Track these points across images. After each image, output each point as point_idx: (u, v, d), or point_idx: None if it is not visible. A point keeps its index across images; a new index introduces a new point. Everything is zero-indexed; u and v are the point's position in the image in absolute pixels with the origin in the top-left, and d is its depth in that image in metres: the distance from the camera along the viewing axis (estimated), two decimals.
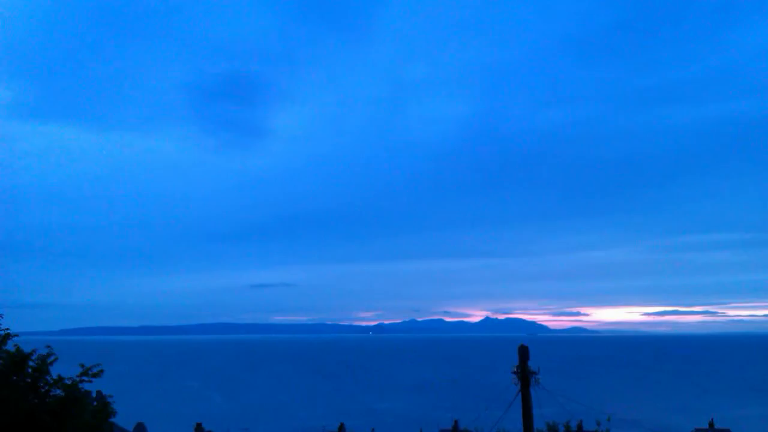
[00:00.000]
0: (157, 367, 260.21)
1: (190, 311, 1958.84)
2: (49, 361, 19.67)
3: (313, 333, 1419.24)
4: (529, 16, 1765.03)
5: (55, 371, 20.08)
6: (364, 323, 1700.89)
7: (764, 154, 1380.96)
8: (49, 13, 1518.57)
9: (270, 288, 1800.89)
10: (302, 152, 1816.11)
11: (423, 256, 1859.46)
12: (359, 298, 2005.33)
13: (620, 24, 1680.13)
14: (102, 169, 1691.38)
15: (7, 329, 19.84)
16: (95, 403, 22.80)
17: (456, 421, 53.62)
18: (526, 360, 19.48)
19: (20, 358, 19.15)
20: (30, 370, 19.37)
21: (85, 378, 20.04)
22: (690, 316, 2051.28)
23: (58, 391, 19.59)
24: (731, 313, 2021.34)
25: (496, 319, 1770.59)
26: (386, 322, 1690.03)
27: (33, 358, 19.60)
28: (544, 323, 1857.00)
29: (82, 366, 20.21)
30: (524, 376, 19.32)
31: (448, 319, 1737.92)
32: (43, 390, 19.47)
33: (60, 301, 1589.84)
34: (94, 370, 20.28)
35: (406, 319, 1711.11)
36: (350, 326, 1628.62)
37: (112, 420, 23.78)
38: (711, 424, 52.94)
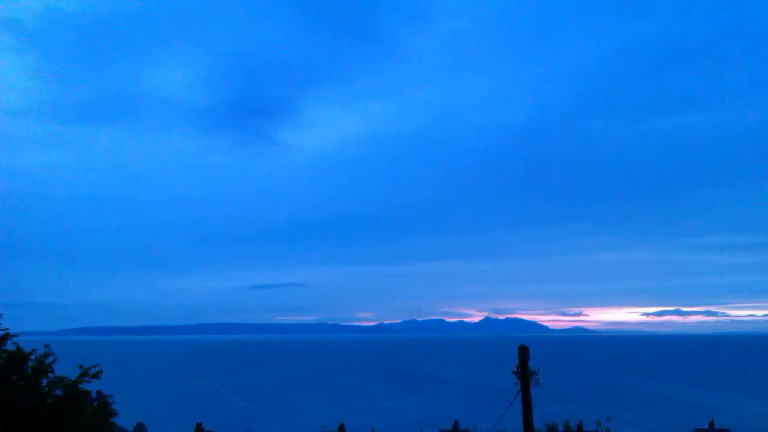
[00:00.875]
0: (157, 367, 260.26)
1: (190, 311, 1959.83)
2: (48, 361, 19.67)
3: (313, 333, 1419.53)
4: (577, 29, 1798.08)
5: (54, 371, 20.08)
6: (364, 323, 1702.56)
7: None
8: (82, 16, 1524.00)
9: (271, 289, 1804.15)
10: (307, 159, 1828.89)
11: (423, 257, 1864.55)
12: (359, 299, 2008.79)
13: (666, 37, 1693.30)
14: (102, 169, 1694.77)
15: (7, 329, 19.85)
16: (95, 403, 22.81)
17: (456, 421, 53.58)
18: (526, 360, 19.42)
19: (20, 357, 19.15)
20: (29, 369, 19.37)
21: (85, 379, 20.05)
22: (690, 317, 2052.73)
23: (58, 391, 19.60)
24: (731, 313, 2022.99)
25: (496, 319, 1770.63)
26: (386, 322, 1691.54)
27: (32, 357, 19.61)
28: (544, 323, 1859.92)
29: (81, 367, 20.22)
30: (524, 376, 19.27)
31: (448, 319, 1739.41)
32: (43, 390, 19.47)
33: (60, 301, 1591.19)
34: (93, 371, 20.28)
35: (407, 319, 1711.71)
36: (350, 326, 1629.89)
37: (112, 420, 23.79)
38: (711, 424, 52.87)
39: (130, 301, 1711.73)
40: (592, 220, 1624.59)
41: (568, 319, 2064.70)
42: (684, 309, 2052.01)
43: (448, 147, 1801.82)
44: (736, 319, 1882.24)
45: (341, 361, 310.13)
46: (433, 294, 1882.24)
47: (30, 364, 19.46)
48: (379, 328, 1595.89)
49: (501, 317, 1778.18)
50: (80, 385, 19.99)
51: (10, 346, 19.61)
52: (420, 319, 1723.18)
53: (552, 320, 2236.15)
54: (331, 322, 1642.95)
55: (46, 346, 20.26)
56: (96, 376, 20.22)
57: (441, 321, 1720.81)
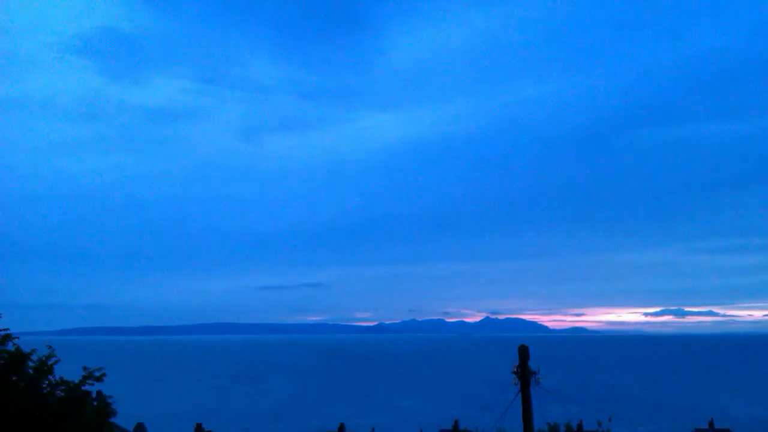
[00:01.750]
0: (158, 367, 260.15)
1: (191, 312, 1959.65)
2: (50, 362, 19.62)
3: (313, 333, 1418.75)
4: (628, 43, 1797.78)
5: (55, 372, 20.05)
6: (364, 323, 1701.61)
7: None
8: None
9: (271, 289, 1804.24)
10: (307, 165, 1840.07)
11: (424, 258, 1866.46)
12: (359, 299, 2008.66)
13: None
14: (106, 170, 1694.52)
15: (7, 329, 19.81)
16: (95, 404, 22.78)
17: (456, 421, 53.51)
18: (526, 360, 19.43)
19: (20, 358, 19.11)
20: (30, 370, 19.34)
21: (89, 381, 20.04)
22: (690, 317, 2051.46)
23: (60, 393, 19.57)
24: (731, 313, 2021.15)
25: (496, 319, 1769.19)
26: (386, 322, 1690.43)
27: (33, 358, 19.57)
28: (544, 323, 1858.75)
29: (85, 368, 20.19)
30: (524, 376, 19.28)
31: (448, 320, 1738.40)
32: (44, 391, 19.44)
33: (60, 301, 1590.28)
34: (98, 374, 20.25)
35: (407, 319, 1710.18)
36: (350, 326, 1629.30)
37: (112, 420, 23.77)
38: (711, 424, 52.88)
39: (131, 301, 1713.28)
40: (592, 221, 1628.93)
41: (568, 319, 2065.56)
42: (685, 309, 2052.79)
43: (449, 150, 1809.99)
44: (737, 319, 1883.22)
45: (341, 362, 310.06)
46: (433, 294, 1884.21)
47: (31, 364, 19.43)
48: (379, 328, 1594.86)
49: (501, 317, 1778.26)
50: (82, 387, 19.98)
51: (9, 347, 19.58)
52: (420, 319, 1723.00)
53: (552, 320, 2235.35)
54: (331, 322, 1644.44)
55: (50, 347, 20.21)
56: (100, 379, 20.23)
57: (441, 321, 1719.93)
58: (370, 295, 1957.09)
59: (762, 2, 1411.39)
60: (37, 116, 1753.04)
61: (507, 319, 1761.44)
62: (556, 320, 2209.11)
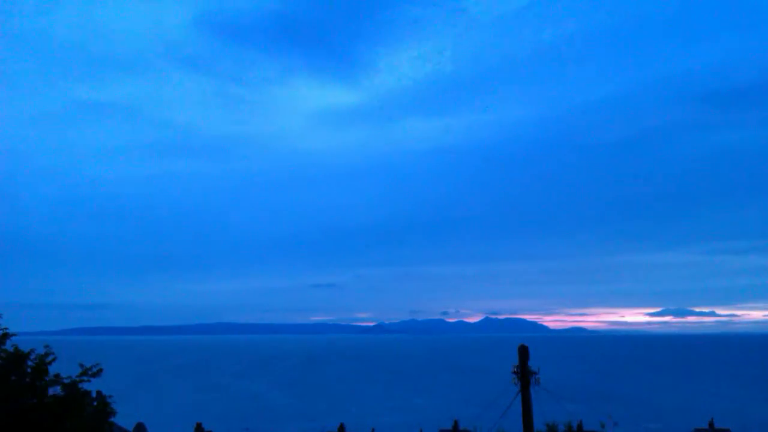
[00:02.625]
0: (158, 367, 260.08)
1: (191, 312, 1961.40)
2: (47, 360, 19.63)
3: (313, 333, 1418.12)
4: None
5: (53, 371, 20.03)
6: (363, 323, 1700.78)
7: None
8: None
9: (272, 289, 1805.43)
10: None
11: (424, 259, 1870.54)
12: (359, 299, 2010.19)
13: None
14: (109, 171, 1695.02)
15: (6, 328, 19.81)
16: (95, 403, 22.78)
17: (456, 421, 53.47)
18: (526, 360, 19.41)
19: (19, 357, 19.11)
20: (29, 369, 19.33)
21: (85, 378, 20.00)
22: (691, 317, 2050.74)
23: (58, 391, 19.56)
24: (733, 313, 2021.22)
25: (496, 319, 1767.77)
26: (386, 322, 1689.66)
27: (31, 357, 19.57)
28: (544, 323, 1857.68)
29: (82, 366, 20.18)
30: (524, 376, 19.26)
31: (448, 320, 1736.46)
32: (42, 389, 19.43)
33: (60, 301, 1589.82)
34: (94, 370, 20.24)
35: (406, 319, 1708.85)
36: (350, 326, 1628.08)
37: (112, 420, 23.75)
38: (711, 424, 52.83)
39: (131, 301, 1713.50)
40: (593, 224, 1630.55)
41: (568, 319, 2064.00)
42: (685, 309, 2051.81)
43: (450, 154, 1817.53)
44: (738, 319, 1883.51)
45: (342, 362, 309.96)
46: (433, 294, 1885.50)
47: (29, 363, 19.43)
48: (379, 328, 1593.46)
49: (501, 317, 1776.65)
50: (80, 385, 19.95)
51: (8, 346, 19.58)
52: (420, 319, 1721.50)
53: (552, 320, 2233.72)
54: (331, 323, 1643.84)
55: (47, 345, 20.23)
56: (96, 375, 20.18)
57: (441, 321, 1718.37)
58: (369, 296, 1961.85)
59: None
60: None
61: (507, 319, 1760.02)
62: (556, 320, 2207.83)
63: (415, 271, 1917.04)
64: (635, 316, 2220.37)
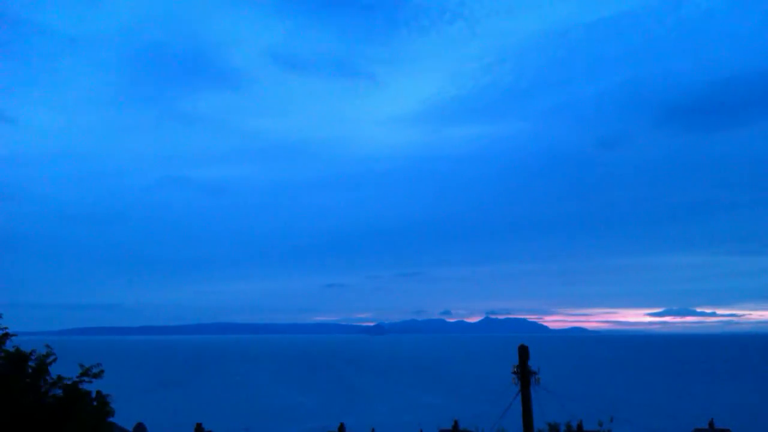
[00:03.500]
0: (158, 367, 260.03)
1: (190, 312, 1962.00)
2: (48, 361, 19.61)
3: (313, 333, 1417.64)
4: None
5: (54, 371, 20.01)
6: (364, 323, 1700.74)
7: None
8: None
9: (272, 289, 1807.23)
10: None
11: (424, 259, 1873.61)
12: (360, 299, 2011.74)
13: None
14: (113, 174, 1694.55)
15: (6, 328, 19.80)
16: (95, 403, 22.78)
17: (456, 421, 53.45)
18: (526, 360, 19.42)
19: (19, 357, 19.10)
20: (29, 370, 19.32)
21: (86, 378, 19.97)
22: (691, 317, 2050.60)
23: (58, 391, 19.54)
24: (734, 313, 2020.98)
25: (496, 319, 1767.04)
26: (386, 322, 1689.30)
27: (32, 357, 19.55)
28: (544, 323, 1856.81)
29: (82, 366, 20.15)
30: (524, 376, 19.26)
31: (448, 319, 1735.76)
32: (42, 390, 19.42)
33: (60, 301, 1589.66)
34: (95, 371, 20.20)
35: (406, 319, 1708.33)
36: (350, 326, 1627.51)
37: (112, 420, 23.74)
38: (711, 424, 52.81)
39: (130, 301, 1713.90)
40: (594, 224, 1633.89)
41: (568, 319, 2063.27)
42: (687, 309, 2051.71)
43: (451, 158, 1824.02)
44: (739, 319, 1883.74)
45: (342, 362, 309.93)
46: (434, 294, 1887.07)
47: (30, 364, 19.41)
48: (379, 328, 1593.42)
49: (501, 317, 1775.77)
50: (81, 385, 19.92)
51: (9, 347, 19.57)
52: (420, 319, 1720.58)
53: (552, 320, 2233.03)
54: (331, 323, 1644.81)
55: (47, 346, 20.21)
56: (97, 375, 20.14)
57: (441, 321, 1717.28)
58: (370, 296, 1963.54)
59: None
60: None
61: (507, 319, 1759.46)
62: (556, 320, 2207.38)
63: (416, 272, 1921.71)
64: (636, 317, 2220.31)
